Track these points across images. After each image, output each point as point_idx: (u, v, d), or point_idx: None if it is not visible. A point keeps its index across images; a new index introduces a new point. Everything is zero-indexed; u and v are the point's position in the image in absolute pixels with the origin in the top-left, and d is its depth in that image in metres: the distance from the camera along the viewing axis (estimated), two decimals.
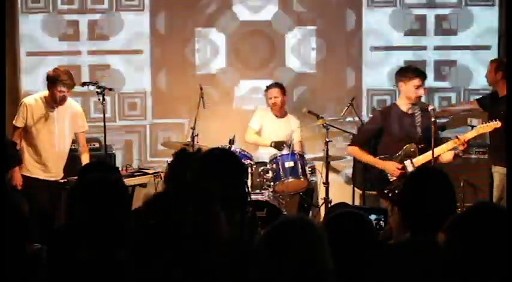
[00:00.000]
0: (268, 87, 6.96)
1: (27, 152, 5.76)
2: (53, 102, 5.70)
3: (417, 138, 5.47)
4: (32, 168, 5.76)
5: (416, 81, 5.46)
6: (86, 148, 6.01)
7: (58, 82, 5.58)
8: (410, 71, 5.56)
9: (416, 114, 5.51)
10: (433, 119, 5.36)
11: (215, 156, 2.98)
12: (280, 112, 6.97)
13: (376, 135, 5.63)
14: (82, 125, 5.96)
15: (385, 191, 5.48)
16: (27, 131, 5.72)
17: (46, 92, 5.74)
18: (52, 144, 5.77)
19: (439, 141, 5.49)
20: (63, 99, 5.68)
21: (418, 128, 5.48)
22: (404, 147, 5.46)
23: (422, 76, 5.51)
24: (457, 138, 5.39)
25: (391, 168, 5.44)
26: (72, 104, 5.89)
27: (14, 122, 5.72)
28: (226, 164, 2.93)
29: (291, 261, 1.92)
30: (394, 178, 5.44)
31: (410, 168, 5.39)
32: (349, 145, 5.86)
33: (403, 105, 5.56)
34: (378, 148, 5.64)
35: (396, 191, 5.31)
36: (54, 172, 5.77)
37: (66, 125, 5.84)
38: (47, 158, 5.76)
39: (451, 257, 1.94)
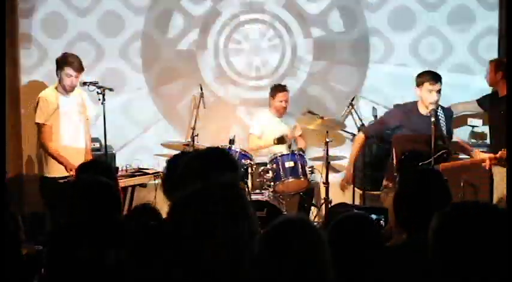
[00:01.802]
0: (278, 90, 6.91)
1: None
2: (63, 89, 5.69)
3: (434, 147, 5.34)
4: (54, 170, 5.67)
5: (430, 86, 5.38)
6: (89, 147, 5.98)
7: (65, 65, 5.60)
8: (423, 75, 5.49)
9: (440, 119, 5.43)
10: (432, 119, 5.34)
11: (215, 156, 2.97)
12: (284, 113, 6.98)
13: (391, 131, 5.63)
14: (90, 110, 5.95)
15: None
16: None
17: (56, 83, 5.76)
18: (69, 138, 5.73)
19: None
20: (72, 85, 5.68)
21: (432, 137, 5.32)
22: (440, 152, 5.32)
23: (439, 80, 5.39)
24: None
25: (347, 178, 5.89)
26: (78, 91, 5.86)
27: (39, 120, 5.62)
28: (227, 163, 2.93)
29: (291, 261, 1.91)
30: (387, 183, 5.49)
31: None
32: (361, 130, 5.90)
33: (422, 108, 5.47)
34: (395, 138, 5.60)
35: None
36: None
37: (78, 115, 5.82)
38: (67, 154, 5.66)
39: (440, 258, 1.94)
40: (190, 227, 1.88)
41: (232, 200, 1.93)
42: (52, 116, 5.64)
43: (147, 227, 2.68)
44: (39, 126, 5.67)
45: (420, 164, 5.28)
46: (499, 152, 5.32)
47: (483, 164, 5.37)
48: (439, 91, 5.40)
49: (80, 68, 5.68)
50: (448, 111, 5.67)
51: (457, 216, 1.97)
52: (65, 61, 5.63)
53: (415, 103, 5.56)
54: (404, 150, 5.46)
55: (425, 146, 5.40)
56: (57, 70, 5.72)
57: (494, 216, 1.95)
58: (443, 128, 5.44)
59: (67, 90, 5.72)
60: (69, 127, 5.75)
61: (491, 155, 5.38)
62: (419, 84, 5.44)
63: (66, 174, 5.55)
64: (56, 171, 5.65)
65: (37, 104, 5.71)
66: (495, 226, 1.91)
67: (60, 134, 5.69)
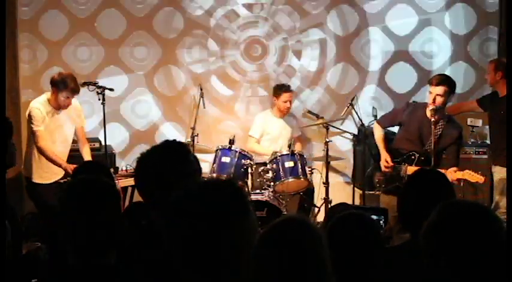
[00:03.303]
0: (283, 90, 6.89)
1: (37, 157, 5.71)
2: (57, 105, 5.70)
3: (425, 148, 5.38)
4: (44, 174, 5.72)
5: (431, 88, 5.35)
6: (86, 141, 5.99)
7: (64, 88, 5.58)
8: (433, 77, 5.49)
9: (439, 124, 5.38)
10: (432, 119, 5.34)
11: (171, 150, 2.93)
12: (286, 114, 6.99)
13: (398, 124, 5.67)
14: (81, 120, 5.96)
15: (376, 180, 5.58)
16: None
17: (48, 94, 5.73)
18: (55, 144, 5.75)
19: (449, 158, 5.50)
20: (67, 105, 5.69)
21: (430, 138, 5.33)
22: (410, 153, 5.44)
23: (439, 84, 5.32)
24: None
25: (383, 159, 5.52)
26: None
27: (34, 128, 5.62)
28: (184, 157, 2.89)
29: (290, 261, 1.91)
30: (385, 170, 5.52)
31: (402, 173, 5.41)
32: (376, 121, 5.92)
33: (428, 110, 5.41)
34: (396, 135, 5.70)
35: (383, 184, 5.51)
36: (58, 172, 5.72)
37: (68, 124, 5.84)
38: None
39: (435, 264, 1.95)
40: (189, 227, 1.88)
41: (233, 198, 1.92)
42: (44, 125, 5.66)
43: (139, 226, 2.68)
44: (34, 132, 5.66)
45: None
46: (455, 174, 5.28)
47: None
48: (440, 95, 5.30)
49: (77, 90, 5.64)
50: (451, 118, 5.63)
51: (444, 218, 1.98)
52: (63, 84, 5.56)
53: (425, 104, 5.53)
54: (397, 145, 5.57)
55: (418, 145, 5.43)
56: (52, 87, 5.66)
57: (481, 215, 1.96)
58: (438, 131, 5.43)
59: (63, 108, 5.72)
60: (59, 137, 5.77)
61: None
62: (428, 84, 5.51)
63: (51, 181, 5.65)
64: (39, 178, 5.73)
65: (29, 114, 5.68)
66: (482, 225, 1.93)
67: (50, 143, 5.71)
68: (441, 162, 5.46)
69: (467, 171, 5.29)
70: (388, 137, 5.79)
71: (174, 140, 2.92)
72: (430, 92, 5.37)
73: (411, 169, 5.34)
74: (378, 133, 5.70)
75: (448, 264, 1.92)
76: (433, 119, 5.32)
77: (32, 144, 5.73)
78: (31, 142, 5.76)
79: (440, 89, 5.31)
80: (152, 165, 2.76)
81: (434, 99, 5.31)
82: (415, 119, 5.47)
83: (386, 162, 5.49)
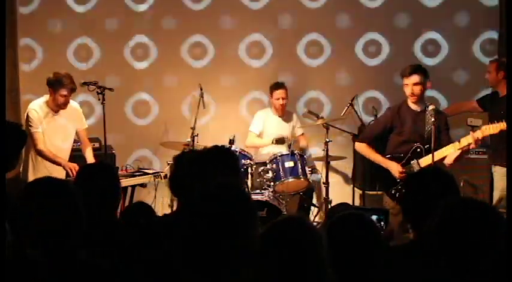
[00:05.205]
0: (274, 88, 6.92)
1: (35, 158, 5.72)
2: (55, 106, 5.70)
3: (426, 138, 5.35)
4: (40, 175, 5.74)
5: (405, 80, 5.37)
6: (88, 143, 6.00)
7: (60, 86, 5.59)
8: (405, 69, 5.45)
9: (427, 113, 5.37)
10: (432, 119, 5.33)
11: (213, 155, 2.96)
12: (283, 111, 6.99)
13: (386, 133, 5.57)
14: (82, 123, 5.97)
15: (392, 191, 5.41)
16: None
17: (47, 97, 5.74)
18: (55, 147, 5.76)
19: (443, 143, 5.45)
20: (66, 103, 5.69)
21: (427, 127, 5.34)
22: (412, 149, 5.39)
23: (412, 73, 5.34)
24: (459, 141, 5.32)
25: (395, 170, 5.40)
26: (71, 103, 5.88)
27: (32, 130, 5.63)
28: (230, 167, 2.91)
29: (290, 261, 1.91)
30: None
31: (416, 169, 5.34)
32: (356, 141, 5.81)
33: (411, 103, 5.45)
34: (386, 145, 5.58)
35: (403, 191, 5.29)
36: (56, 175, 5.72)
37: (68, 126, 5.85)
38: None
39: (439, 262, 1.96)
40: (189, 227, 1.88)
41: (236, 200, 1.93)
42: (41, 127, 5.67)
43: (138, 225, 2.69)
44: (32, 135, 5.66)
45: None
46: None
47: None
48: (417, 84, 5.34)
49: (74, 87, 5.66)
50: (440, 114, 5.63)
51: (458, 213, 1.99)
52: (60, 83, 5.58)
53: (405, 99, 5.55)
54: (392, 152, 5.48)
55: (416, 141, 5.41)
56: (49, 88, 5.66)
57: (485, 213, 1.97)
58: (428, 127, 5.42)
59: (61, 108, 5.73)
60: (58, 139, 5.78)
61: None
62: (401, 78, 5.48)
63: None
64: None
65: (27, 115, 5.70)
66: (486, 223, 1.94)
67: (49, 145, 5.73)
68: (441, 144, 5.45)
69: (484, 126, 5.31)
70: None
71: (221, 148, 2.98)
72: (406, 84, 5.36)
73: (425, 161, 5.29)
74: (366, 148, 5.58)
75: (449, 264, 1.92)
76: (433, 119, 5.31)
77: (29, 145, 5.73)
78: (28, 143, 5.75)
79: (415, 78, 5.34)
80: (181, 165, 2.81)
81: (412, 90, 5.33)
82: (406, 116, 5.46)
83: (400, 171, 5.36)
